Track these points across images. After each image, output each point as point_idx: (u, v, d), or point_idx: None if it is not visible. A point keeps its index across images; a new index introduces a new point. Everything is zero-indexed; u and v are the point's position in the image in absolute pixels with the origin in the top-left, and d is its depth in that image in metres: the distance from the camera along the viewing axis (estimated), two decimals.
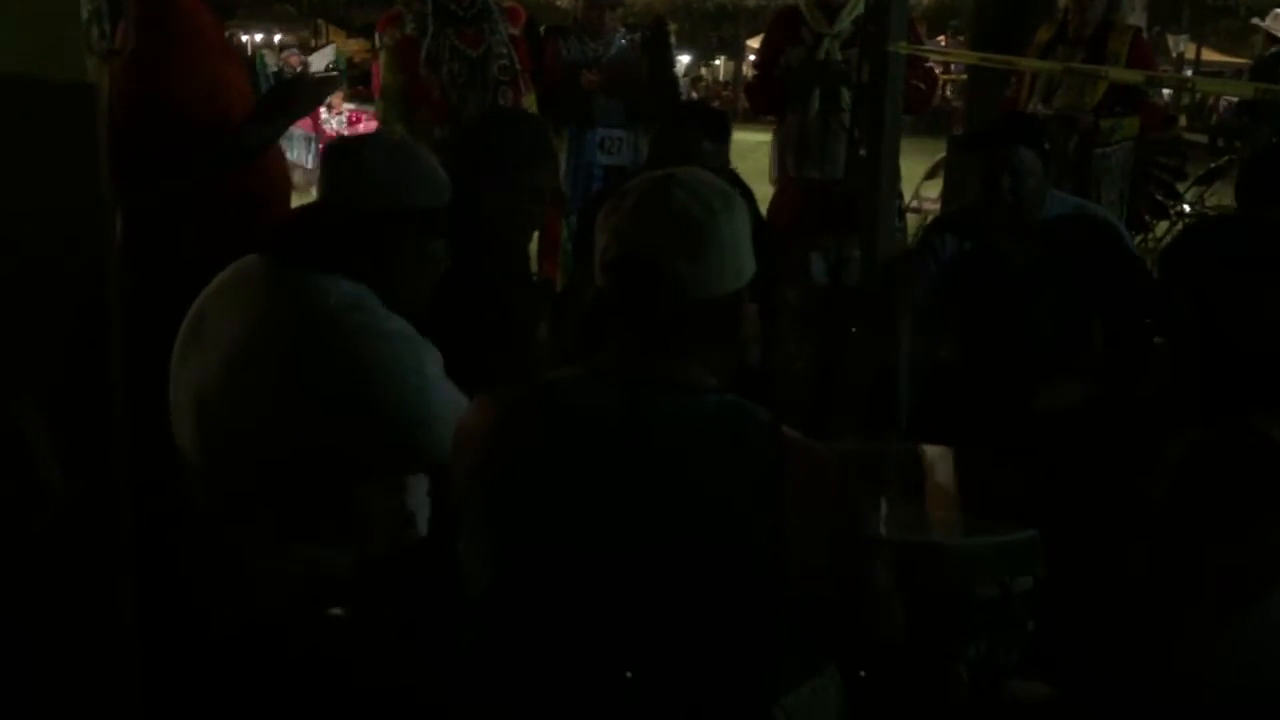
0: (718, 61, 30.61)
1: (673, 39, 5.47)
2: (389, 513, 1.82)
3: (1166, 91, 9.28)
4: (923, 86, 4.23)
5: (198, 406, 1.86)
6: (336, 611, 1.72)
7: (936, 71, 4.33)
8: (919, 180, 9.03)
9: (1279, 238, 1.55)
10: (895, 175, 3.87)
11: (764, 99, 4.47)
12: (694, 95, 21.21)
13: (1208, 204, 8.30)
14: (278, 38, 27.35)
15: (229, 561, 1.85)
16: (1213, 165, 8.70)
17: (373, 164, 1.88)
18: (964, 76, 6.89)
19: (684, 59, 21.44)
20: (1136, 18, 6.05)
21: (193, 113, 2.81)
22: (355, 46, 18.14)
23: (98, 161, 1.45)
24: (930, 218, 5.82)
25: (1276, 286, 1.46)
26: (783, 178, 4.45)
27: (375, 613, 1.74)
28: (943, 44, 16.92)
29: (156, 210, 2.90)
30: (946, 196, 6.24)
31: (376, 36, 4.31)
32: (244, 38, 21.78)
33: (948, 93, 20.81)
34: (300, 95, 3.14)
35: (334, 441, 1.77)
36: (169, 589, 1.83)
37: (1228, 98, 17.35)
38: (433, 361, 1.84)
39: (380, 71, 4.26)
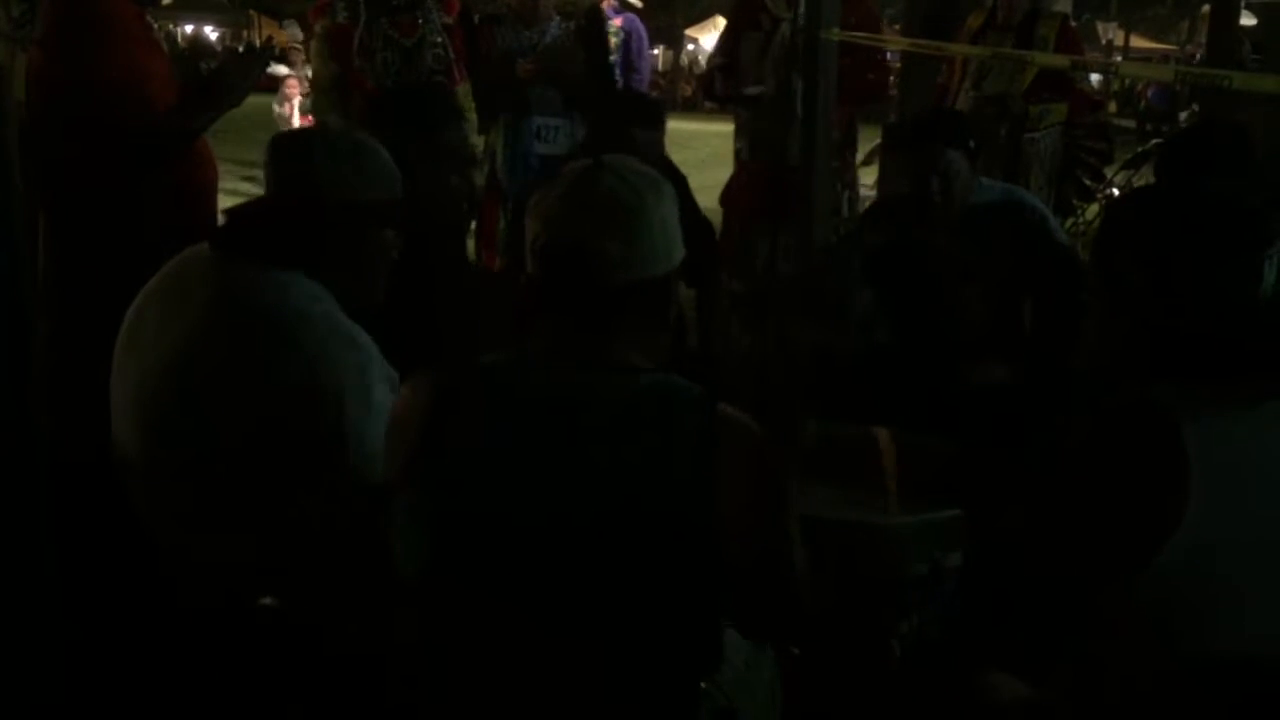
0: (655, 51, 30.64)
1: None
2: (330, 507, 1.81)
3: (1096, 78, 9.45)
4: (871, 76, 4.25)
5: (138, 404, 1.83)
6: (268, 602, 1.71)
7: (888, 64, 4.36)
8: (854, 167, 9.10)
9: (1193, 211, 1.59)
10: (827, 161, 3.90)
11: (727, 87, 4.45)
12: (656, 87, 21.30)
13: (1135, 187, 8.47)
14: (208, 29, 26.89)
15: (162, 555, 1.83)
16: (1140, 149, 8.88)
17: (324, 157, 1.85)
18: (899, 64, 6.98)
19: None
20: (1063, 4, 6.15)
21: (110, 98, 2.75)
22: (286, 36, 17.89)
23: (3, 142, 1.40)
24: (868, 203, 5.89)
25: (1188, 259, 1.49)
26: (739, 163, 4.46)
27: (312, 602, 1.73)
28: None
29: (87, 201, 2.85)
30: (881, 183, 6.32)
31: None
32: (173, 28, 21.37)
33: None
34: (230, 84, 3.07)
35: (278, 436, 1.75)
36: (99, 582, 1.80)
37: (1155, 83, 17.74)
38: (379, 368, 1.82)
39: (312, 61, 4.21)
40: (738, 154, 4.48)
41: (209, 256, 1.86)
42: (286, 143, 1.93)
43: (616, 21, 6.84)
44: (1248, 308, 1.47)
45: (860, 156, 9.54)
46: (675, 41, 27.86)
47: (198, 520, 1.80)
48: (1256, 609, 1.39)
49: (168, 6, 24.15)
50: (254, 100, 3.58)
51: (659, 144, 3.10)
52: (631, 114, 3.10)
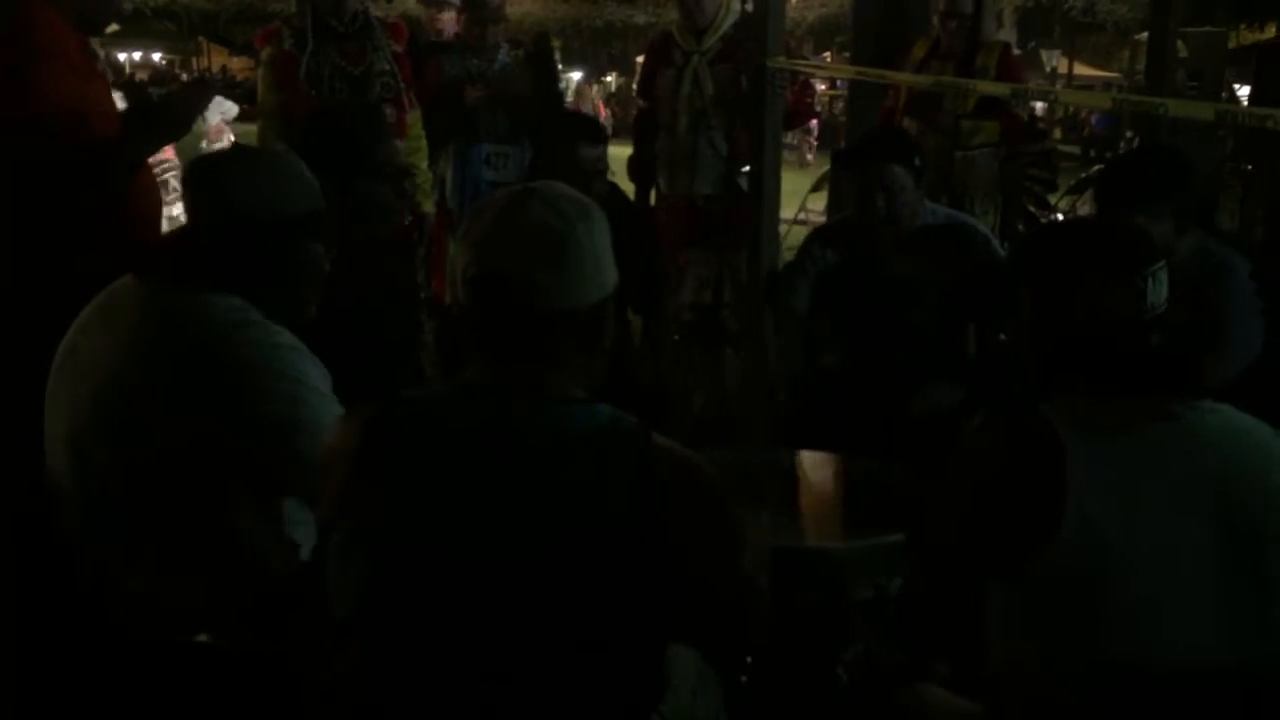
0: (609, 78, 30.83)
1: (557, 54, 5.48)
2: (269, 539, 1.79)
3: (1041, 106, 9.62)
4: (808, 100, 4.37)
5: (71, 436, 1.81)
6: (203, 638, 1.69)
7: (814, 84, 4.54)
8: (805, 193, 9.23)
9: (1071, 237, 1.63)
10: (777, 189, 3.95)
11: (648, 122, 4.56)
12: (612, 112, 21.53)
13: (1080, 212, 8.61)
14: (156, 56, 26.63)
15: (98, 589, 1.80)
16: (1083, 175, 9.06)
17: (237, 176, 1.85)
18: (846, 92, 7.10)
19: (574, 75, 21.56)
20: (1006, 34, 6.27)
21: (49, 128, 2.72)
22: (239, 65, 17.78)
23: None
24: (812, 229, 5.95)
25: (1067, 282, 1.53)
26: (658, 195, 4.53)
27: (255, 637, 1.71)
28: (828, 60, 17.27)
29: (28, 230, 2.81)
30: (830, 208, 6.38)
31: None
32: (120, 56, 21.15)
33: (835, 109, 21.25)
34: (173, 113, 3.04)
35: (216, 461, 1.73)
36: (36, 615, 1.76)
37: (1098, 111, 18.10)
38: (318, 375, 1.81)
39: (258, 87, 4.18)
40: (656, 187, 4.55)
41: (136, 286, 1.85)
42: (201, 167, 1.93)
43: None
44: (1135, 326, 1.51)
45: (810, 183, 9.66)
46: (628, 69, 28.03)
47: (134, 552, 1.77)
48: (1147, 618, 1.42)
49: (114, 34, 23.93)
50: None
51: (603, 159, 3.13)
52: (574, 131, 3.13)
